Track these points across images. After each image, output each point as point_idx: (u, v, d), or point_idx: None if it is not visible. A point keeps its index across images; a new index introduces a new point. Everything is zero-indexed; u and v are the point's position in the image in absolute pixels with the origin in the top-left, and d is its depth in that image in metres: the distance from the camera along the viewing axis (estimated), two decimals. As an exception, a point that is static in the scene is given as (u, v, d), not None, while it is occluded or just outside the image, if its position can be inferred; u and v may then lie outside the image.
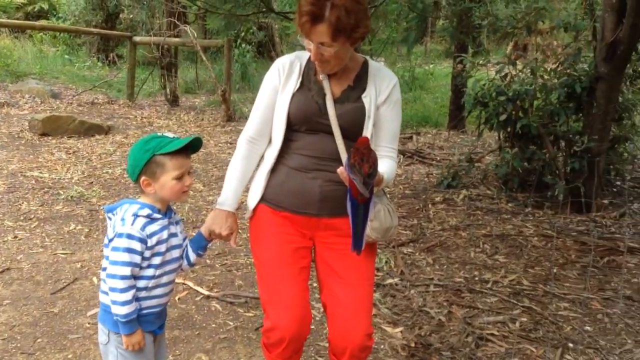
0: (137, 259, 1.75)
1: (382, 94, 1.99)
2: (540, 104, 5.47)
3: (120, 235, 1.74)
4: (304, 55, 2.04)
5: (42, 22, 14.84)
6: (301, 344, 2.02)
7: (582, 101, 5.13)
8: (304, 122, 1.99)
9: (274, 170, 2.05)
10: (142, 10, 14.35)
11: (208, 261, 3.85)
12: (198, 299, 3.32)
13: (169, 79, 10.26)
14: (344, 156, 1.94)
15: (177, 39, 10.19)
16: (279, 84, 2.02)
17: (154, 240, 1.78)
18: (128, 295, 1.74)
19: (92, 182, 5.50)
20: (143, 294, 1.81)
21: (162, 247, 1.81)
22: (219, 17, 5.07)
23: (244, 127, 2.08)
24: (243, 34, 13.90)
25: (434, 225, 4.60)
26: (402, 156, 6.95)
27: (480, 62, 5.95)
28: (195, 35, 9.84)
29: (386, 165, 1.94)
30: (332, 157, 1.97)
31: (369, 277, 2.05)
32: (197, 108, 10.21)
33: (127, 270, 1.73)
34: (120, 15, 16.08)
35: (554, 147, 5.26)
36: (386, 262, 3.84)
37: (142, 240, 1.75)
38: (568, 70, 5.31)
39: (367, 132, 1.97)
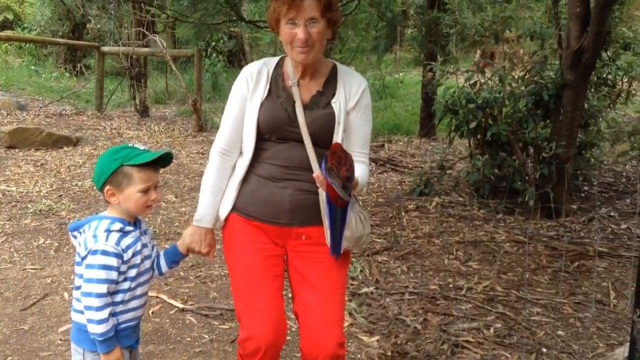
0: (113, 275, 1.72)
1: (352, 99, 1.99)
2: (509, 111, 5.56)
3: (94, 252, 1.70)
4: (272, 62, 2.05)
5: (7, 33, 14.57)
6: (277, 353, 2.01)
7: (549, 108, 5.23)
8: (274, 131, 1.98)
9: (245, 179, 2.04)
10: (109, 20, 14.19)
11: (182, 273, 3.80)
12: (172, 312, 3.27)
13: (138, 89, 10.15)
14: (314, 164, 1.94)
15: (146, 49, 10.10)
16: (247, 92, 2.01)
17: (129, 253, 1.76)
18: (104, 314, 1.70)
19: (61, 195, 5.39)
20: (120, 307, 1.78)
21: (137, 259, 1.79)
22: (189, 25, 5.04)
23: (215, 139, 2.06)
24: (214, 43, 13.84)
25: (408, 233, 4.63)
26: (374, 164, 6.98)
27: (450, 70, 6.02)
28: (165, 44, 9.77)
29: (359, 170, 1.92)
30: (302, 166, 1.97)
31: (340, 285, 2.04)
32: (168, 118, 10.11)
33: (103, 288, 1.70)
34: (88, 25, 15.87)
35: (523, 153, 5.35)
36: (361, 270, 3.84)
37: (118, 256, 1.72)
38: (535, 78, 5.41)
39: (337, 138, 1.97)
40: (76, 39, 14.63)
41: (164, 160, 1.82)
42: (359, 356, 2.85)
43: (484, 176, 5.36)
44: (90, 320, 1.70)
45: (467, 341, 2.98)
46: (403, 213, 5.12)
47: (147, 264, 1.85)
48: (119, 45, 10.35)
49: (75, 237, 1.80)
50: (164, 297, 3.43)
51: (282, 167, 1.98)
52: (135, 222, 1.85)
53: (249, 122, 2.00)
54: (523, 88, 5.50)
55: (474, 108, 5.37)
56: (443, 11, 8.00)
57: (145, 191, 1.77)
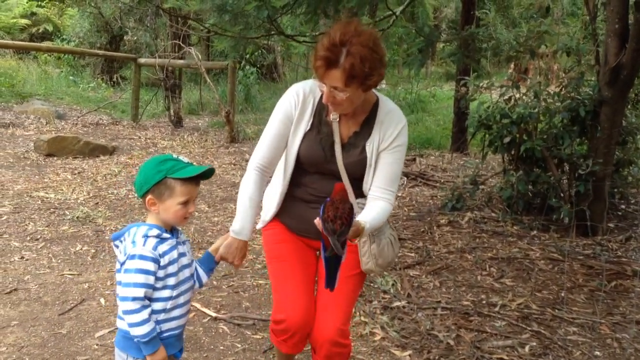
0: (151, 279, 1.75)
1: (386, 140, 2.06)
2: (544, 127, 5.50)
3: (132, 257, 1.74)
4: (318, 91, 2.09)
5: (48, 44, 14.99)
6: (306, 334, 2.10)
7: (586, 125, 5.15)
8: (311, 165, 2.12)
9: (283, 198, 2.20)
10: (146, 32, 14.49)
11: (215, 282, 3.84)
12: (205, 320, 3.31)
13: (173, 100, 10.33)
14: (352, 197, 2.06)
15: (181, 61, 10.28)
16: (293, 115, 2.08)
17: (165, 259, 1.78)
18: (144, 314, 1.73)
19: (97, 203, 5.51)
20: (162, 316, 1.80)
21: (174, 267, 1.82)
22: (227, 39, 5.12)
23: (254, 153, 2.13)
24: (247, 55, 14.02)
25: (440, 248, 4.60)
26: (405, 178, 6.96)
27: (484, 85, 5.98)
28: (200, 57, 9.94)
29: (377, 209, 2.00)
30: None
31: (352, 283, 2.15)
32: (201, 129, 10.26)
33: (140, 292, 1.72)
34: (125, 38, 16.24)
35: (559, 170, 5.28)
36: (393, 284, 3.83)
37: (155, 260, 1.75)
38: (572, 94, 5.35)
39: (368, 178, 2.09)
40: (113, 50, 14.96)
41: (205, 174, 1.85)
42: (391, 370, 2.83)
43: (517, 192, 5.30)
44: (131, 324, 1.73)
45: (501, 359, 2.94)
46: (435, 227, 5.09)
47: (187, 272, 1.88)
48: (155, 57, 10.55)
49: (117, 246, 1.83)
50: (197, 305, 3.47)
51: (315, 196, 2.14)
52: (172, 231, 1.88)
53: (290, 150, 2.11)
54: (559, 104, 5.44)
55: (509, 123, 5.33)
56: (477, 26, 7.98)
57: (185, 203, 1.81)
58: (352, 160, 2.07)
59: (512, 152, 5.60)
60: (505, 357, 2.96)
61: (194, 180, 1.82)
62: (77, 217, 4.98)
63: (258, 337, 3.12)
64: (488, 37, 7.45)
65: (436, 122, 11.34)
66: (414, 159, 8.10)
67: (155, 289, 1.78)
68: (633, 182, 5.61)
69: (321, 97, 2.06)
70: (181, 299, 1.85)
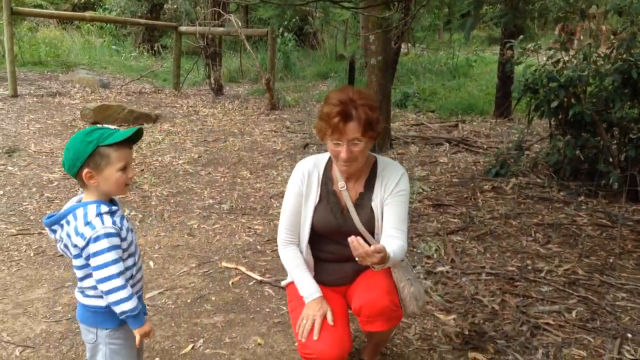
0: (121, 252, 1.77)
1: (388, 190, 2.21)
2: (593, 90, 5.33)
3: (97, 239, 1.71)
4: (321, 163, 2.28)
5: (91, 13, 15.19)
6: None
7: (638, 87, 4.96)
8: (326, 233, 2.26)
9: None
10: (185, 0, 14.53)
11: (259, 247, 3.90)
12: (251, 283, 3.37)
13: (213, 68, 10.38)
14: (371, 241, 2.18)
15: (221, 29, 10.29)
16: (303, 191, 2.24)
17: (124, 230, 1.79)
18: (129, 289, 1.76)
19: (143, 170, 5.63)
20: (130, 282, 1.82)
21: (131, 236, 1.83)
22: (272, 7, 5.07)
23: (278, 232, 2.30)
24: (286, 22, 13.94)
25: (484, 214, 4.54)
26: (447, 144, 6.87)
27: (531, 47, 5.80)
28: (240, 24, 9.92)
29: (395, 245, 2.08)
30: (350, 258, 2.09)
31: (389, 283, 2.23)
32: (241, 97, 10.31)
33: (119, 267, 1.74)
34: (165, 6, 16.32)
35: (608, 134, 5.12)
36: (436, 250, 3.82)
37: (118, 234, 1.76)
38: (623, 56, 5.14)
39: (378, 232, 2.23)
40: (154, 19, 15.07)
41: (136, 138, 1.82)
42: (435, 333, 2.84)
43: (564, 157, 5.17)
44: (118, 302, 1.74)
45: (548, 324, 2.91)
46: (478, 193, 5.03)
47: (134, 236, 1.90)
48: (195, 25, 10.59)
49: (55, 231, 1.79)
50: (243, 269, 3.54)
51: (334, 255, 2.29)
52: (112, 202, 1.86)
53: (304, 223, 2.26)
54: (609, 66, 5.25)
55: (556, 87, 5.17)
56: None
57: (124, 169, 1.78)
58: (365, 219, 2.21)
59: (560, 117, 5.45)
60: (552, 322, 2.93)
61: (127, 144, 1.79)
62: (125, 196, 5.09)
63: (303, 299, 3.17)
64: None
65: (479, 87, 11.10)
66: (456, 125, 7.98)
67: (123, 260, 1.79)
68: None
69: (325, 167, 2.26)
70: (139, 262, 1.90)
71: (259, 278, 3.42)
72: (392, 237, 2.14)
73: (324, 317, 2.11)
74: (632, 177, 4.66)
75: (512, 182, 5.27)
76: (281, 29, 13.39)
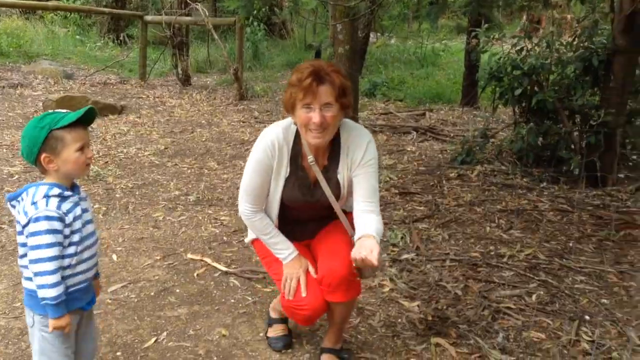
0: (60, 238, 1.75)
1: (356, 162, 2.20)
2: (556, 78, 5.41)
3: (37, 219, 1.72)
4: (290, 137, 2.22)
5: (54, 2, 14.83)
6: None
7: (598, 75, 5.07)
8: (295, 206, 2.30)
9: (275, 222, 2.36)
10: (152, -11, 14.28)
11: (225, 238, 3.88)
12: (216, 274, 3.36)
13: (180, 58, 10.25)
14: (345, 223, 2.27)
15: (188, 18, 10.15)
16: (273, 164, 2.21)
17: (70, 217, 1.78)
18: (57, 277, 1.74)
19: (107, 162, 5.54)
20: (68, 272, 1.81)
21: (78, 224, 1.81)
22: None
23: (240, 203, 2.30)
24: (255, 12, 13.80)
25: (449, 201, 4.60)
26: (415, 133, 6.92)
27: (495, 36, 5.86)
28: (207, 13, 9.80)
29: (372, 221, 2.12)
30: (321, 215, 2.35)
31: (347, 242, 2.28)
32: (209, 87, 10.21)
33: (54, 251, 1.73)
34: (130, -5, 16.03)
35: (570, 121, 5.22)
36: (402, 237, 3.85)
37: (61, 219, 1.75)
38: (585, 44, 5.24)
39: (342, 199, 2.28)
40: (119, 8, 14.77)
41: (89, 118, 1.83)
42: (399, 320, 2.87)
43: (528, 144, 5.26)
44: (42, 286, 1.73)
45: (509, 307, 2.97)
46: (444, 181, 5.08)
47: (90, 228, 1.88)
48: (162, 15, 10.43)
49: (13, 206, 1.80)
50: (208, 260, 3.52)
51: (297, 222, 2.38)
52: (73, 188, 1.86)
53: (273, 197, 2.27)
54: (571, 54, 5.34)
55: (520, 75, 5.25)
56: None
57: (81, 149, 1.79)
58: (333, 192, 2.23)
59: (523, 104, 5.54)
60: (513, 306, 2.99)
61: (80, 125, 1.80)
62: (88, 176, 5.02)
63: (268, 290, 3.17)
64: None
65: (447, 76, 11.19)
66: (424, 114, 8.04)
67: (63, 246, 1.77)
68: (645, 132, 5.53)
69: (294, 142, 2.22)
70: (85, 254, 1.86)
71: (225, 269, 3.41)
72: (367, 212, 2.15)
73: (307, 272, 2.26)
74: (592, 163, 4.76)
75: (477, 170, 5.34)
76: (250, 18, 13.27)
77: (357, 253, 1.90)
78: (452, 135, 6.82)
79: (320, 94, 2.01)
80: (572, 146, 5.05)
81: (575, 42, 5.35)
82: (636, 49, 4.83)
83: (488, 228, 4.05)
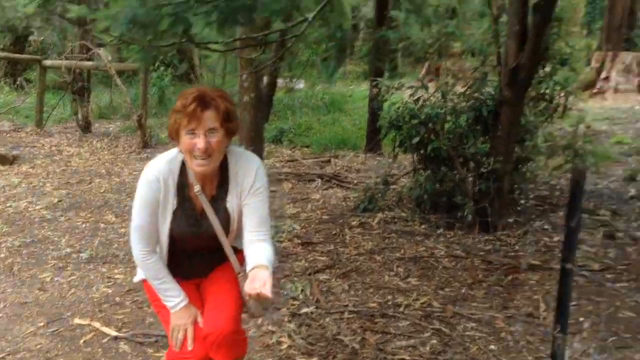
0: None
1: (245, 190, 2.16)
2: (450, 126, 5.67)
3: None
4: (175, 169, 2.14)
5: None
6: None
7: (488, 124, 5.36)
8: (185, 239, 2.20)
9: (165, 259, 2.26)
10: (53, 32, 13.84)
11: (117, 299, 3.71)
12: (105, 340, 3.18)
13: (81, 104, 9.90)
14: (232, 258, 2.22)
15: (89, 62, 9.87)
16: (159, 198, 2.12)
17: None
18: None
19: (-7, 218, 5.20)
20: None
21: None
22: (137, 49, 4.93)
23: (133, 244, 2.19)
24: (161, 57, 13.65)
25: (350, 250, 4.65)
26: (320, 180, 7.00)
27: (395, 86, 6.11)
28: (110, 58, 9.57)
29: (263, 250, 2.09)
30: (213, 249, 2.24)
31: (235, 291, 2.25)
32: (111, 134, 9.89)
33: None
34: (30, 38, 15.44)
35: (464, 168, 5.46)
36: (302, 290, 3.83)
37: None
38: (476, 94, 5.54)
39: (232, 232, 2.22)
40: (17, 51, 14.17)
41: None
42: (295, 379, 2.83)
43: (425, 191, 5.44)
44: None
45: (404, 359, 3.00)
46: (346, 230, 5.14)
47: None
48: (62, 59, 10.08)
49: None
50: (97, 324, 3.33)
51: (195, 251, 2.27)
52: None
53: (162, 231, 2.17)
54: (464, 104, 5.63)
55: (417, 124, 5.45)
56: (390, 28, 8.15)
57: None
58: (220, 222, 2.17)
59: (421, 152, 5.75)
60: (407, 357, 3.02)
61: None
62: (-30, 234, 4.68)
63: (160, 354, 3.03)
64: (400, 39, 7.61)
65: (353, 121, 11.47)
66: (329, 161, 8.17)
67: None
68: (531, 178, 5.89)
69: (180, 175, 2.14)
70: None
71: (115, 334, 3.24)
72: (258, 241, 2.12)
73: (195, 323, 2.19)
74: (483, 209, 4.99)
75: (378, 217, 5.45)
76: (157, 63, 13.09)
77: (250, 288, 1.85)
78: (356, 182, 6.96)
79: (205, 119, 1.98)
80: (467, 192, 5.28)
81: (467, 93, 5.65)
82: (520, 101, 5.18)
83: (387, 277, 4.12)
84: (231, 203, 2.16)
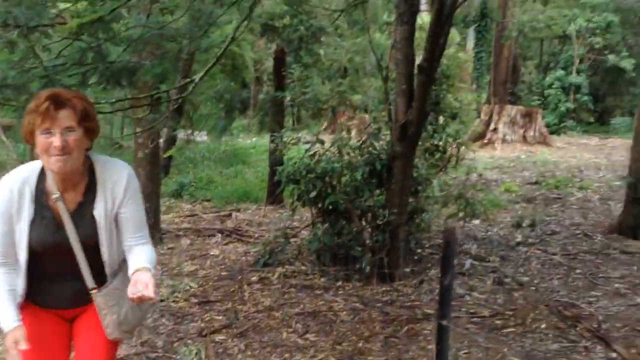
0: None
1: (118, 198, 2.07)
2: (347, 180, 5.81)
3: None
4: (32, 177, 2.03)
5: None
6: None
7: (382, 177, 5.54)
8: (45, 250, 2.04)
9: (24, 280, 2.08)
10: None
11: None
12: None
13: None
14: (86, 273, 2.05)
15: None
16: (12, 211, 2.00)
17: None
18: None
19: None
20: None
21: None
22: (12, 109, 4.71)
23: None
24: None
25: (249, 307, 4.56)
26: (220, 235, 6.89)
27: (292, 141, 6.21)
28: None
29: (144, 252, 2.07)
30: (73, 273, 2.06)
31: (107, 350, 2.16)
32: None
33: None
34: None
35: (361, 221, 5.57)
36: (196, 353, 3.69)
37: None
38: (369, 149, 5.74)
39: (103, 242, 2.06)
40: None
41: None
42: None
43: (324, 244, 5.49)
44: None
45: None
46: (245, 286, 5.06)
47: None
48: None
49: None
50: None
51: (57, 272, 2.09)
52: None
53: (20, 244, 2.02)
54: (359, 158, 5.80)
55: (314, 178, 5.54)
56: (282, 89, 8.36)
57: None
58: (86, 231, 2.04)
59: (319, 205, 5.82)
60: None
61: None
62: None
63: None
64: (295, 94, 7.81)
65: (255, 174, 11.49)
66: (230, 215, 8.08)
67: None
68: (425, 227, 6.11)
69: (37, 182, 2.03)
70: None
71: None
72: (138, 245, 2.09)
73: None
74: (381, 260, 5.10)
75: (278, 272, 5.42)
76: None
77: (133, 293, 1.83)
78: (256, 236, 6.91)
79: (60, 118, 1.89)
80: (364, 244, 5.37)
81: (362, 147, 5.84)
82: (411, 155, 5.40)
83: (285, 334, 4.06)
84: (99, 210, 2.04)
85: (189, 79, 4.48)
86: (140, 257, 2.04)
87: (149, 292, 1.83)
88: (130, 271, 1.99)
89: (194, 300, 4.70)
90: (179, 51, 4.20)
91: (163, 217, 7.41)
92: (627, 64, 22.05)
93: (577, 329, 4.05)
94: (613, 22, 22.56)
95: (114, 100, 4.60)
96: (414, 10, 5.25)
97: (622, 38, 23.15)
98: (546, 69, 27.38)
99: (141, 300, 1.83)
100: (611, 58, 22.46)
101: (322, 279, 5.23)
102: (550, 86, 24.08)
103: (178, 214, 8.22)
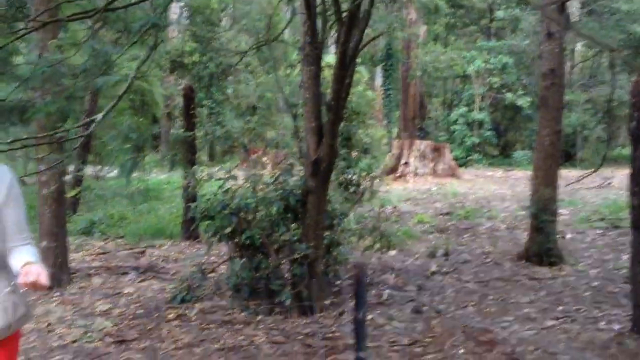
0: None
1: (0, 198, 2.15)
2: (263, 215, 5.88)
3: None
4: None
5: None
6: None
7: (297, 212, 5.67)
8: None
9: None
10: None
11: None
12: None
13: None
14: None
15: None
16: None
17: None
18: None
19: None
20: None
21: None
22: None
23: None
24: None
25: (168, 345, 4.50)
26: (134, 272, 6.73)
27: (204, 178, 6.25)
28: None
29: (31, 252, 2.19)
30: None
31: None
32: None
33: None
34: None
35: (278, 255, 5.65)
36: (114, 395, 3.61)
37: None
38: (283, 185, 5.86)
39: None
40: None
41: None
42: None
43: (242, 279, 5.51)
44: None
45: None
46: (163, 323, 4.99)
47: None
48: None
49: None
50: None
51: None
52: None
53: None
54: (274, 193, 5.90)
55: (228, 214, 5.58)
56: (193, 126, 8.37)
57: None
58: None
59: (236, 240, 5.85)
60: None
61: None
62: None
63: None
64: (207, 132, 7.85)
65: (170, 210, 11.28)
66: (144, 252, 7.91)
67: None
68: (343, 260, 6.28)
69: None
70: None
71: None
72: (22, 245, 2.19)
73: None
74: (301, 293, 5.19)
75: (197, 308, 5.38)
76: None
77: (25, 280, 1.98)
78: (173, 272, 6.81)
79: None
80: (282, 278, 5.45)
81: (275, 183, 5.95)
82: (324, 190, 5.57)
83: (206, 371, 4.05)
84: None
85: (93, 117, 4.43)
86: (28, 254, 2.17)
87: (42, 279, 1.98)
88: (19, 265, 2.10)
89: (109, 339, 4.58)
90: (74, 89, 4.17)
91: (73, 255, 7.14)
92: (523, 101, 23.70)
93: (493, 352, 4.30)
94: (508, 63, 24.29)
95: (10, 140, 4.49)
96: (318, 53, 5.47)
97: (517, 78, 24.88)
98: (450, 105, 28.93)
99: (34, 286, 1.96)
100: (509, 96, 24.06)
101: (243, 314, 5.24)
102: (455, 122, 25.46)
103: (89, 251, 7.93)
